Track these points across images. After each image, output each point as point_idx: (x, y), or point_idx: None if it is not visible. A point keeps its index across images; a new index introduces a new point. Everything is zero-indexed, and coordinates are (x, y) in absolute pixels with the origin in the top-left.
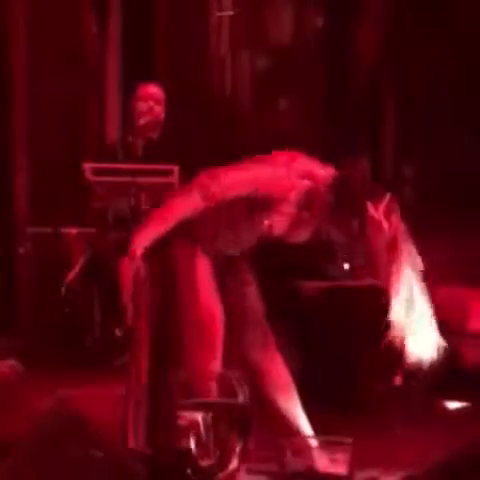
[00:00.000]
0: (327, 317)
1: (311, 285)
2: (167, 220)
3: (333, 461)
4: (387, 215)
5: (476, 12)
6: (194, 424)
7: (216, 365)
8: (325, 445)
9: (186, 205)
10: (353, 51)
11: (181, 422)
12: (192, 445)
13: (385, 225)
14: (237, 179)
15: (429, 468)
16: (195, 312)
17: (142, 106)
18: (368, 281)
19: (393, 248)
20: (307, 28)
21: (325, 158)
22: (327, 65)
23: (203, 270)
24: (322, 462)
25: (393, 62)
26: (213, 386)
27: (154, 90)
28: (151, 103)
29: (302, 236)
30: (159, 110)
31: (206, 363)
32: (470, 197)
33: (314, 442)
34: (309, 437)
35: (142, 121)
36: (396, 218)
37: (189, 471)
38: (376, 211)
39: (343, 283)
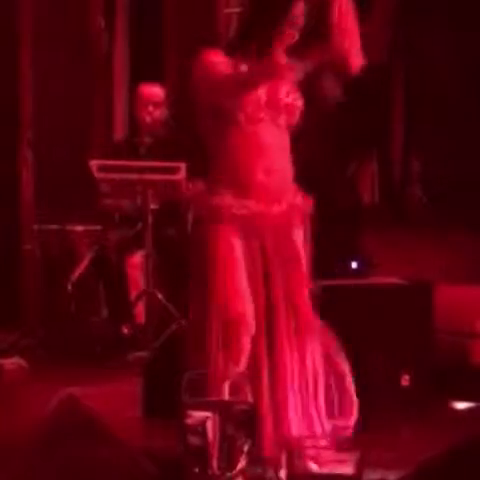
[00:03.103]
0: (333, 316)
1: (318, 284)
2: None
3: (341, 462)
4: None
5: None
6: (202, 423)
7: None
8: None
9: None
10: (364, 47)
11: (189, 421)
12: (200, 444)
13: None
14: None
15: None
16: (223, 309)
17: (142, 112)
18: (375, 280)
19: None
20: None
21: (338, 152)
22: None
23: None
24: (330, 463)
25: (403, 58)
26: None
27: (153, 93)
28: (150, 108)
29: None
30: (158, 113)
31: (229, 364)
32: None
33: (322, 442)
34: (317, 437)
35: (143, 125)
36: None
37: (197, 470)
38: None
39: (350, 282)
